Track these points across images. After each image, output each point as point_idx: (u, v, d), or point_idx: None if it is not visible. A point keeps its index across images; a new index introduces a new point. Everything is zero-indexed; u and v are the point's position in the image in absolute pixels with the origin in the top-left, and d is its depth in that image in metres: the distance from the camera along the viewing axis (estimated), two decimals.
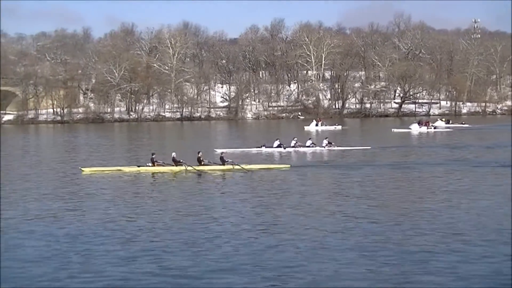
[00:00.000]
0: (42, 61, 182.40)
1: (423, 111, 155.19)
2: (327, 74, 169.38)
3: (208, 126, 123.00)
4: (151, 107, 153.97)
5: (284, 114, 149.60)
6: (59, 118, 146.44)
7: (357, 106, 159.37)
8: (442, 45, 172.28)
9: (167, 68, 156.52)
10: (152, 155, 41.40)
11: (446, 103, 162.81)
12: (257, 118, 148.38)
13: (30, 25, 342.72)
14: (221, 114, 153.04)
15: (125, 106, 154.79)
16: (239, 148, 57.83)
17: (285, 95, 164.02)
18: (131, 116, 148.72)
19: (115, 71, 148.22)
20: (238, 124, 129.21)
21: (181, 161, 40.75)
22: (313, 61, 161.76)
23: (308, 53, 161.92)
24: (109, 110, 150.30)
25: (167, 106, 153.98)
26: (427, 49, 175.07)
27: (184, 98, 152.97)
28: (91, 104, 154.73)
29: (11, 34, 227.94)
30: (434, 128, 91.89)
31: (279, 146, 56.32)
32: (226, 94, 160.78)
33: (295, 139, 58.41)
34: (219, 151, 52.13)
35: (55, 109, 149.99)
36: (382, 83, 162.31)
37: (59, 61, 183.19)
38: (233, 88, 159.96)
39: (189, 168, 40.04)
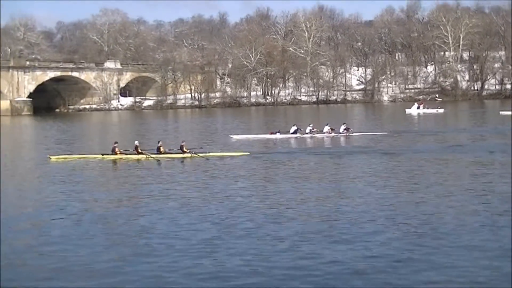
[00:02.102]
0: (180, 47, 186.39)
1: None
2: (465, 55, 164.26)
3: (344, 109, 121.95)
4: (287, 91, 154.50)
5: (421, 97, 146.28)
6: (196, 102, 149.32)
7: (497, 87, 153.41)
8: None
9: (302, 51, 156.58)
10: (115, 143, 41.42)
11: None
12: (394, 101, 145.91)
13: (168, 12, 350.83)
14: (357, 97, 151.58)
15: (261, 90, 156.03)
16: (253, 134, 57.34)
17: (422, 77, 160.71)
18: (267, 100, 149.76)
19: (251, 55, 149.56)
20: (375, 107, 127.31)
21: (143, 151, 40.60)
22: (451, 41, 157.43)
23: (445, 33, 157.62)
24: (245, 94, 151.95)
25: (303, 90, 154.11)
26: None
27: (320, 81, 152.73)
28: (228, 89, 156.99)
29: (150, 22, 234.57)
30: None
31: (295, 132, 54.55)
32: (362, 76, 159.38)
33: (311, 125, 56.28)
34: (235, 137, 53.73)
35: (192, 94, 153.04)
36: None
37: (196, 46, 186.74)
38: (369, 70, 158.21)
39: (151, 157, 39.75)
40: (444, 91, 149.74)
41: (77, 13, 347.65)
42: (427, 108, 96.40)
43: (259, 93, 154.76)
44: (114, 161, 39.58)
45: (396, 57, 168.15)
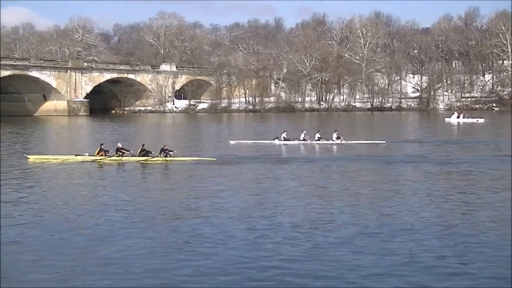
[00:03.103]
0: (235, 51, 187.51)
1: None
2: None
3: (398, 116, 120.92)
4: (342, 97, 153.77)
5: (477, 106, 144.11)
6: (250, 107, 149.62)
7: None
8: None
9: (358, 58, 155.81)
10: (101, 145, 42.61)
11: None
12: (449, 109, 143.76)
13: (224, 17, 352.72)
14: (412, 104, 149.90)
15: (315, 95, 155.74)
16: (252, 140, 57.20)
17: (479, 85, 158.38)
18: (321, 106, 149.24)
19: (306, 60, 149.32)
20: (430, 115, 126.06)
21: (125, 153, 41.50)
22: (510, 50, 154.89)
23: (504, 42, 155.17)
24: (299, 99, 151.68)
25: (357, 96, 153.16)
26: None
27: (375, 88, 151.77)
28: (282, 94, 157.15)
29: (206, 25, 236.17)
30: None
31: (286, 139, 54.40)
32: (418, 84, 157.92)
33: (304, 132, 55.92)
34: (232, 142, 54.17)
35: (247, 98, 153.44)
36: None
37: (251, 51, 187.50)
38: (425, 78, 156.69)
39: (132, 158, 40.84)
40: (502, 100, 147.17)
41: (134, 15, 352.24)
42: (467, 118, 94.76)
43: (313, 98, 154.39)
44: (92, 162, 40.56)
45: (453, 65, 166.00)
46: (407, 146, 51.65)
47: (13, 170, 36.55)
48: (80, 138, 68.79)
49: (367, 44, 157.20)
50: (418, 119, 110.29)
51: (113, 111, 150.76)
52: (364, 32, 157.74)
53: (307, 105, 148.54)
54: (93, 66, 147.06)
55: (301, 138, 54.51)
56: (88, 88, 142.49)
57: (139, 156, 41.01)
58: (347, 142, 53.10)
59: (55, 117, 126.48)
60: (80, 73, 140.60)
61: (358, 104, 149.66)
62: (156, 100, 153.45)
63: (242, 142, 55.35)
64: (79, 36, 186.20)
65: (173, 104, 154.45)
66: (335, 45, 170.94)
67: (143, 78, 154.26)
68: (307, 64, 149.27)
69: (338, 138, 53.78)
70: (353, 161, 40.05)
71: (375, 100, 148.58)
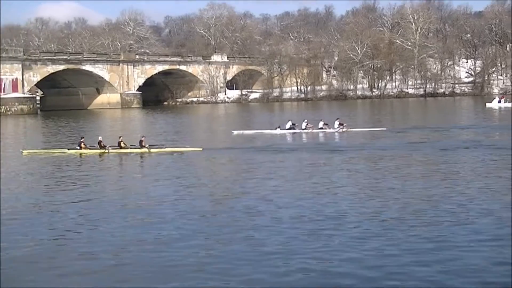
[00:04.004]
0: (286, 40, 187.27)
1: None
2: None
3: (452, 102, 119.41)
4: (394, 84, 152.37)
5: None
6: (302, 95, 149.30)
7: None
8: None
9: (409, 44, 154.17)
10: (81, 138, 43.48)
11: None
12: (505, 93, 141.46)
13: (274, 6, 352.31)
14: (466, 89, 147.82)
15: (367, 83, 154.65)
16: (254, 130, 56.86)
17: None
18: (373, 93, 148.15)
19: (357, 48, 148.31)
20: (484, 100, 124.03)
21: (106, 146, 42.00)
22: None
23: None
24: (351, 87, 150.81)
25: (410, 83, 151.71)
26: None
27: (427, 74, 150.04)
28: (334, 81, 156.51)
29: (256, 15, 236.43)
30: None
31: (291, 127, 54.23)
32: (471, 69, 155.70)
33: (306, 120, 55.83)
34: (236, 132, 54.02)
35: (298, 87, 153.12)
36: None
37: (302, 39, 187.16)
38: (478, 62, 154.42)
39: (111, 151, 41.37)
40: None
41: (185, 7, 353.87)
42: (508, 102, 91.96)
43: (365, 86, 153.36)
44: (80, 155, 41.18)
45: (507, 49, 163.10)
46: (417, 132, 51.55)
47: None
48: (134, 129, 69.39)
49: (419, 29, 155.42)
50: (469, 104, 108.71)
51: (165, 103, 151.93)
52: (415, 18, 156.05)
53: (359, 93, 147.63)
54: (145, 58, 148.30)
55: (303, 127, 54.27)
56: (141, 81, 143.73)
57: (118, 148, 41.90)
58: (349, 130, 53.02)
59: (109, 110, 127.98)
60: (132, 66, 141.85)
61: (410, 91, 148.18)
62: (208, 90, 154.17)
63: (245, 132, 55.23)
64: (130, 29, 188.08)
65: (225, 94, 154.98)
66: (386, 31, 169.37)
67: (195, 69, 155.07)
68: (359, 52, 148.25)
69: (340, 125, 53.69)
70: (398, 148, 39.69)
71: (428, 86, 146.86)
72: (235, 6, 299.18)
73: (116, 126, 77.66)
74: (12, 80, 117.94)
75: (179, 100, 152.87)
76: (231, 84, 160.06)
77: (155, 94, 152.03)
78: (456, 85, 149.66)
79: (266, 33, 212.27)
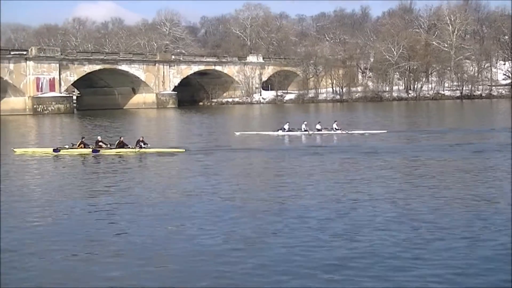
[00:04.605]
0: (322, 41, 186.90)
1: None
2: None
3: (489, 104, 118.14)
4: (430, 86, 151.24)
5: None
6: (338, 97, 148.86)
7: None
8: None
9: (446, 45, 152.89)
10: (82, 138, 43.87)
11: None
12: None
13: (310, 7, 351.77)
14: (503, 92, 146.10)
15: (403, 84, 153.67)
16: (256, 131, 57.30)
17: None
18: (409, 95, 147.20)
19: (393, 49, 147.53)
20: None
21: (103, 146, 42.24)
22: None
23: None
24: (387, 88, 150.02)
25: (446, 84, 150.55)
26: None
27: (464, 76, 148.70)
28: (370, 83, 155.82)
29: (292, 16, 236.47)
30: None
31: (290, 130, 54.47)
32: (509, 71, 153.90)
33: (305, 122, 55.83)
34: (238, 133, 54.25)
35: (334, 88, 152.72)
36: None
37: (338, 40, 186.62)
38: None
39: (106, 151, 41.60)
40: None
41: (221, 8, 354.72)
42: None
43: (401, 87, 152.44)
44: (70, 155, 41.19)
45: None
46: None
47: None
48: (169, 129, 69.75)
49: (456, 31, 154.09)
50: (506, 107, 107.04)
51: (201, 103, 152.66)
52: (452, 19, 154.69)
53: (395, 94, 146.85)
54: (181, 58, 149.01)
55: (303, 129, 54.43)
56: (176, 81, 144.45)
57: (116, 148, 42.09)
58: (348, 132, 53.08)
59: (144, 109, 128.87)
60: (168, 66, 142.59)
61: (447, 92, 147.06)
62: (243, 91, 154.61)
63: (247, 133, 55.59)
64: (166, 30, 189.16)
65: (260, 95, 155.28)
66: (423, 33, 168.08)
67: (230, 70, 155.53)
68: (395, 53, 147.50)
69: (338, 128, 53.76)
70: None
71: (464, 88, 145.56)
72: (271, 6, 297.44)
73: (151, 126, 78.22)
74: (50, 79, 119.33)
75: (214, 100, 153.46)
76: (266, 85, 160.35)
77: (191, 94, 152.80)
78: (493, 87, 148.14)
79: (302, 34, 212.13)
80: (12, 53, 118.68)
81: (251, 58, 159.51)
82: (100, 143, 42.62)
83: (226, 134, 58.29)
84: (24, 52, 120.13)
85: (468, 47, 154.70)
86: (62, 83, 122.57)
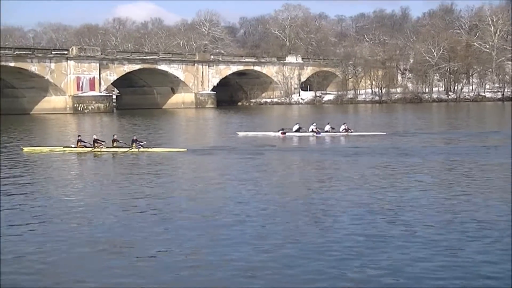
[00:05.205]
0: (361, 42, 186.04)
1: None
2: None
3: None
4: (471, 87, 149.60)
5: None
6: (377, 98, 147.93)
7: None
8: None
9: (487, 46, 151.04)
10: (78, 136, 44.33)
11: None
12: None
13: (349, 7, 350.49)
14: None
15: (443, 86, 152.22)
16: (259, 132, 57.54)
17: None
18: (449, 96, 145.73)
19: (433, 50, 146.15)
20: None
21: (101, 143, 43.00)
22: None
23: None
24: (427, 90, 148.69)
25: (487, 86, 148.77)
26: None
27: (505, 77, 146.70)
28: (409, 84, 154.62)
29: (331, 16, 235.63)
30: None
31: (297, 130, 54.88)
32: None
33: (314, 124, 55.53)
34: (240, 134, 54.98)
35: (373, 89, 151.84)
36: None
37: (377, 41, 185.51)
38: None
39: (103, 149, 42.36)
40: None
41: (260, 8, 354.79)
42: None
43: (441, 89, 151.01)
44: (77, 153, 42.16)
45: None
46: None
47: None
48: (208, 129, 69.91)
49: (498, 32, 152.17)
50: None
51: (239, 103, 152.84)
52: (494, 20, 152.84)
53: (434, 96, 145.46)
54: (220, 59, 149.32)
55: (310, 130, 54.42)
56: (215, 81, 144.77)
57: (112, 147, 42.78)
58: (354, 133, 53.20)
59: (183, 109, 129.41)
60: (207, 66, 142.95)
61: (488, 94, 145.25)
62: (282, 92, 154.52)
63: (250, 134, 56.03)
64: (205, 30, 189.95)
65: (299, 95, 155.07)
66: (464, 34, 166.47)
67: (269, 70, 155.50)
68: (435, 54, 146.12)
69: (345, 130, 53.83)
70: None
71: (506, 90, 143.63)
72: (310, 7, 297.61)
73: (190, 126, 78.42)
74: (90, 78, 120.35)
75: (253, 100, 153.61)
76: (305, 86, 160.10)
77: (229, 95, 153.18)
78: None
79: (341, 34, 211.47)
80: (53, 52, 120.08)
81: (290, 59, 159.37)
82: (98, 141, 43.34)
83: (229, 135, 58.19)
84: (65, 52, 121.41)
85: (510, 48, 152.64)
86: (102, 83, 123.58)
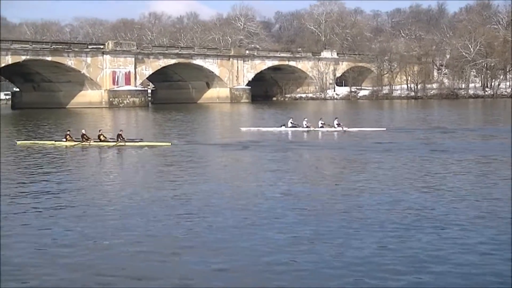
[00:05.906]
0: (397, 37, 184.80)
1: None
2: None
3: None
4: (508, 83, 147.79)
5: None
6: (412, 93, 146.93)
7: None
8: None
9: None
10: (67, 131, 45.43)
11: None
12: None
13: (385, 2, 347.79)
14: None
15: (480, 82, 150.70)
16: (261, 127, 57.69)
17: None
18: (486, 92, 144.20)
19: (470, 46, 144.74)
20: None
21: (89, 138, 43.63)
22: None
23: None
24: (463, 86, 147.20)
25: None
26: None
27: None
28: (445, 80, 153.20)
29: (367, 11, 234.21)
30: None
31: (293, 126, 55.21)
32: None
33: (306, 119, 56.26)
34: (243, 129, 55.26)
35: (409, 85, 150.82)
36: None
37: (413, 37, 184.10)
38: None
39: (92, 143, 43.08)
40: None
41: (295, 3, 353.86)
42: None
43: (478, 85, 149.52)
44: (66, 146, 42.86)
45: None
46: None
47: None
48: (240, 124, 70.10)
49: None
50: None
51: (274, 98, 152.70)
52: None
53: (471, 92, 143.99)
54: (255, 53, 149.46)
55: (304, 126, 54.72)
56: (250, 76, 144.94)
57: (100, 141, 43.46)
58: (348, 129, 53.06)
59: (218, 104, 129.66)
60: (242, 61, 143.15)
61: None
62: (317, 87, 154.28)
63: (252, 129, 56.22)
64: (241, 25, 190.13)
65: (334, 91, 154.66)
66: (501, 29, 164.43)
67: (304, 65, 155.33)
68: (471, 50, 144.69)
69: (338, 125, 53.88)
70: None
71: None
72: (345, 2, 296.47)
73: (226, 120, 78.55)
74: (125, 73, 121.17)
75: (288, 95, 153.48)
76: (340, 81, 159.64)
77: (264, 89, 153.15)
78: None
79: (377, 29, 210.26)
80: (89, 47, 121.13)
81: (325, 54, 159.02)
82: (86, 136, 44.00)
83: (232, 129, 58.41)
84: (101, 46, 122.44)
85: None
86: (138, 77, 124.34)
